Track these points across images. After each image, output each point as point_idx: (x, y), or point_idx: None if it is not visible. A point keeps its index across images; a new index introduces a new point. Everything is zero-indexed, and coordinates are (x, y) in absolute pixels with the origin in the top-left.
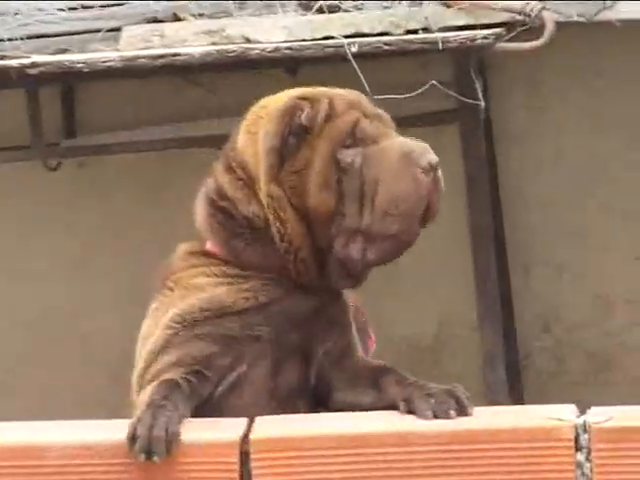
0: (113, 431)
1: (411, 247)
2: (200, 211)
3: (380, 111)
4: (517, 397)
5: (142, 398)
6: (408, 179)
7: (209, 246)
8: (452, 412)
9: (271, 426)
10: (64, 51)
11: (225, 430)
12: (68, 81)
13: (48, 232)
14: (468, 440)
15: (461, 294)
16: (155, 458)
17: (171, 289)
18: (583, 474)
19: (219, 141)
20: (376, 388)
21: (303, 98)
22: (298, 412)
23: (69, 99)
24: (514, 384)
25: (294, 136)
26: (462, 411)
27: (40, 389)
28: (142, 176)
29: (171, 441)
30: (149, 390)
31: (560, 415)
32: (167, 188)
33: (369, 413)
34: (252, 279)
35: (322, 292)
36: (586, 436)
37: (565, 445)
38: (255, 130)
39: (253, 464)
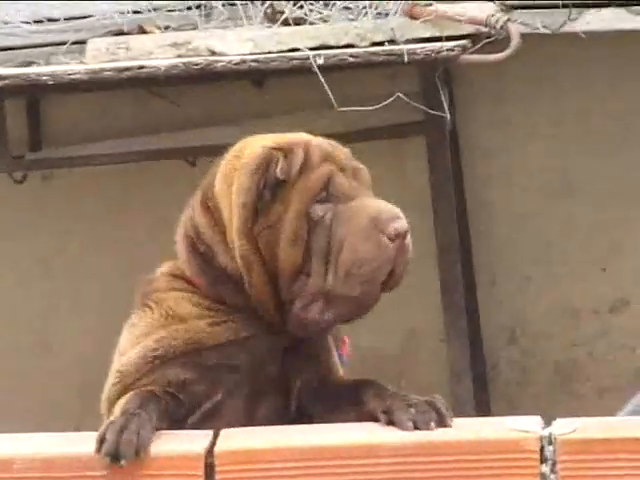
0: (78, 443)
1: (370, 311)
2: (181, 249)
3: (357, 164)
4: (484, 409)
5: (115, 410)
6: (373, 243)
7: (191, 277)
8: (432, 423)
9: (236, 438)
10: (29, 64)
11: (190, 442)
12: (33, 93)
13: (13, 244)
14: (434, 452)
15: (427, 306)
16: (122, 462)
17: (151, 308)
18: None
19: (184, 153)
20: (355, 403)
21: (277, 148)
22: None
23: (34, 111)
24: (481, 395)
25: (268, 189)
26: (442, 422)
27: (3, 399)
28: (107, 189)
29: (141, 446)
30: (123, 401)
31: (525, 427)
32: (132, 201)
33: (333, 425)
34: (232, 315)
35: None
36: (551, 448)
37: (530, 457)
38: (230, 183)
39: (218, 476)
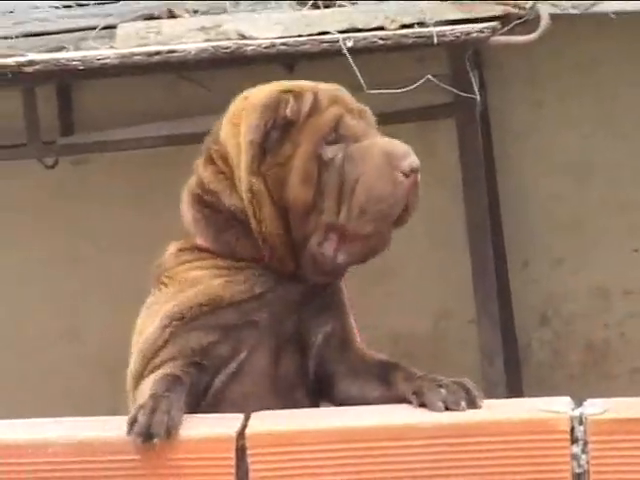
0: (110, 427)
1: (382, 251)
2: (186, 208)
3: (363, 107)
4: (516, 390)
5: (143, 388)
6: (387, 180)
7: (199, 241)
8: (463, 403)
9: (267, 421)
10: (60, 49)
11: (222, 425)
12: (64, 79)
13: (45, 230)
14: (464, 433)
15: (458, 288)
16: (154, 440)
17: (165, 284)
18: (579, 466)
19: None
20: (384, 383)
21: (287, 91)
22: (297, 403)
23: (65, 97)
24: (513, 377)
25: (277, 129)
26: (472, 402)
27: (33, 388)
28: (138, 173)
29: (172, 426)
30: (150, 382)
31: (556, 407)
32: (163, 185)
33: (365, 407)
34: (246, 270)
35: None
36: (582, 428)
37: (561, 437)
38: (238, 122)
39: (250, 459)
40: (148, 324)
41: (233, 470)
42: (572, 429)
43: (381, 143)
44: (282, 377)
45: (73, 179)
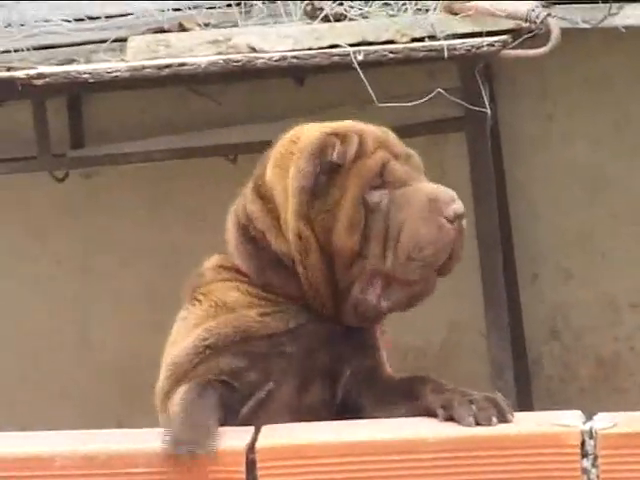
0: (120, 440)
1: (426, 298)
2: (231, 234)
3: (409, 150)
4: (526, 404)
5: (174, 400)
6: (433, 226)
7: (240, 265)
8: (494, 419)
9: (277, 434)
10: (70, 62)
11: (232, 438)
12: (74, 91)
13: (54, 242)
14: (474, 447)
15: (468, 301)
16: (183, 450)
17: (199, 301)
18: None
19: (225, 150)
20: (410, 398)
21: (334, 134)
22: None
23: (76, 109)
24: (523, 390)
25: (324, 174)
26: (503, 417)
27: (45, 396)
28: (148, 186)
29: (207, 436)
30: (182, 391)
31: (566, 421)
32: (173, 198)
33: (374, 421)
34: (282, 304)
35: None
36: (592, 442)
37: (571, 452)
38: (285, 166)
39: (259, 472)
40: (179, 340)
41: None
42: (582, 443)
43: (426, 188)
44: (308, 407)
45: (83, 192)
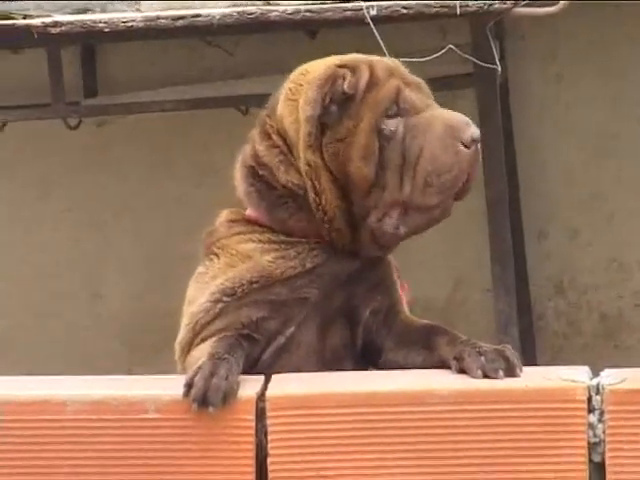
0: (129, 386)
1: (442, 220)
2: (240, 180)
3: (419, 79)
4: (530, 358)
5: (195, 354)
6: (451, 151)
7: (252, 213)
8: (501, 372)
9: (287, 384)
10: (86, 11)
11: (242, 387)
12: (89, 41)
13: (66, 189)
14: (481, 400)
15: (475, 258)
16: (210, 408)
17: (217, 255)
18: (595, 435)
19: (237, 102)
20: (427, 348)
21: (343, 66)
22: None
23: (90, 59)
24: (527, 346)
25: (336, 104)
26: (511, 371)
27: (51, 344)
28: (160, 136)
29: (229, 393)
30: (207, 346)
31: (573, 377)
32: (184, 148)
33: (385, 372)
34: (297, 245)
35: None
36: (599, 397)
37: (578, 407)
38: (296, 98)
39: (269, 421)
40: (198, 295)
41: (252, 431)
42: (589, 399)
43: (442, 115)
44: (329, 350)
45: (95, 140)
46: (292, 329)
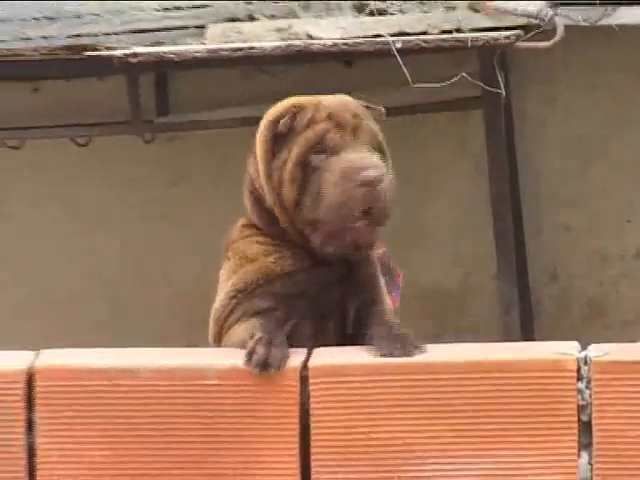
0: (193, 357)
1: (367, 246)
2: (245, 199)
3: (360, 122)
4: (529, 336)
5: (233, 338)
6: (341, 191)
7: (254, 220)
8: (397, 352)
9: (327, 355)
10: (159, 44)
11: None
12: (162, 68)
13: (144, 192)
14: (484, 369)
15: (482, 250)
16: (271, 370)
17: (229, 258)
18: (583, 399)
19: None
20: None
21: (295, 106)
22: None
23: (162, 84)
24: (526, 325)
25: (278, 140)
26: (407, 354)
27: (101, 324)
28: (221, 149)
29: (285, 358)
30: (250, 324)
31: (565, 350)
32: (242, 160)
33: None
34: (293, 248)
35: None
36: (586, 368)
37: (569, 375)
38: (257, 135)
39: (311, 387)
40: (219, 293)
41: (297, 395)
42: (578, 369)
43: (348, 157)
44: (325, 340)
45: (166, 152)
46: (293, 321)
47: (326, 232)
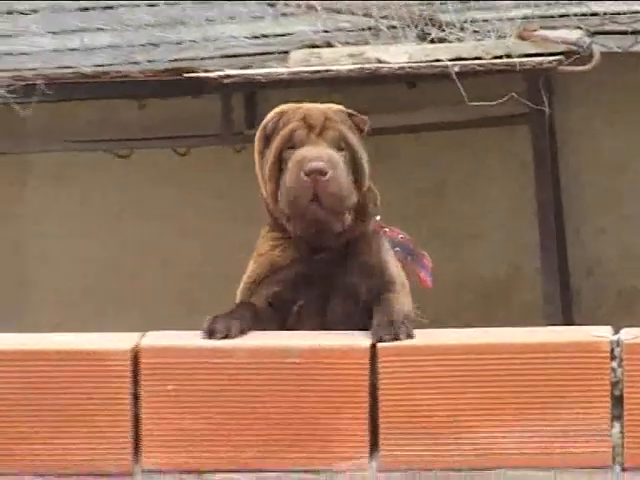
0: (277, 338)
1: (322, 225)
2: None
3: (330, 124)
4: (569, 322)
5: None
6: (294, 178)
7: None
8: (387, 337)
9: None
10: (248, 67)
11: (357, 339)
12: (251, 88)
13: (235, 196)
14: (530, 350)
15: (529, 247)
16: (217, 335)
17: (253, 258)
18: (615, 376)
19: None
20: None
21: (279, 112)
22: None
23: (252, 101)
24: (567, 313)
25: (266, 142)
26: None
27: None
28: None
29: (230, 330)
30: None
31: (600, 334)
32: None
33: (480, 329)
34: (296, 240)
35: (347, 242)
36: (618, 349)
37: (603, 355)
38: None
39: (380, 365)
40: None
41: (367, 372)
42: (611, 350)
43: (302, 151)
44: (332, 320)
45: (254, 162)
46: (301, 302)
47: (290, 217)
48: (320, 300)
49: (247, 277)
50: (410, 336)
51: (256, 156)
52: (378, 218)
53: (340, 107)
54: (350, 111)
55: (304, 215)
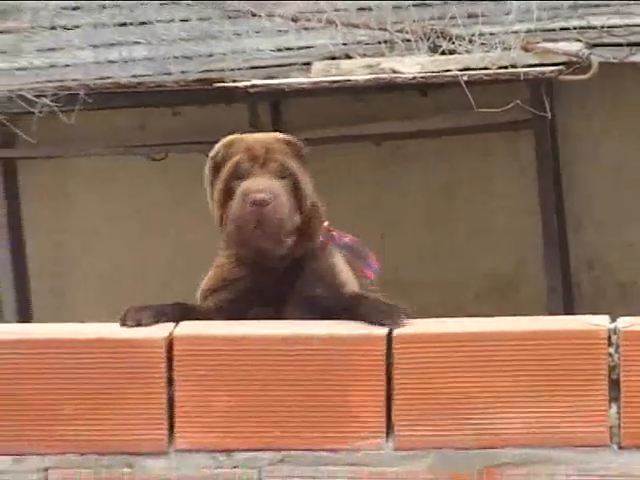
0: (300, 328)
1: (274, 252)
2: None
3: (273, 157)
4: (571, 313)
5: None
6: (238, 208)
7: None
8: (387, 321)
9: (410, 326)
10: (273, 77)
11: (374, 327)
12: (276, 97)
13: None
14: (534, 337)
15: (532, 243)
16: (128, 323)
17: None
18: (613, 361)
19: (373, 138)
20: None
21: (227, 144)
22: None
23: (277, 108)
24: (568, 304)
25: (216, 171)
26: (395, 325)
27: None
28: (323, 163)
29: (140, 321)
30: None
31: (599, 322)
32: (339, 172)
33: (490, 318)
34: (247, 259)
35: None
36: (616, 336)
37: (601, 342)
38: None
39: (395, 351)
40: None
41: (383, 357)
42: (609, 337)
43: (246, 183)
44: None
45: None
46: (255, 309)
47: (236, 242)
48: (273, 309)
49: (203, 285)
50: (408, 321)
51: (207, 186)
52: (326, 224)
53: (280, 136)
54: (289, 138)
55: (248, 241)
